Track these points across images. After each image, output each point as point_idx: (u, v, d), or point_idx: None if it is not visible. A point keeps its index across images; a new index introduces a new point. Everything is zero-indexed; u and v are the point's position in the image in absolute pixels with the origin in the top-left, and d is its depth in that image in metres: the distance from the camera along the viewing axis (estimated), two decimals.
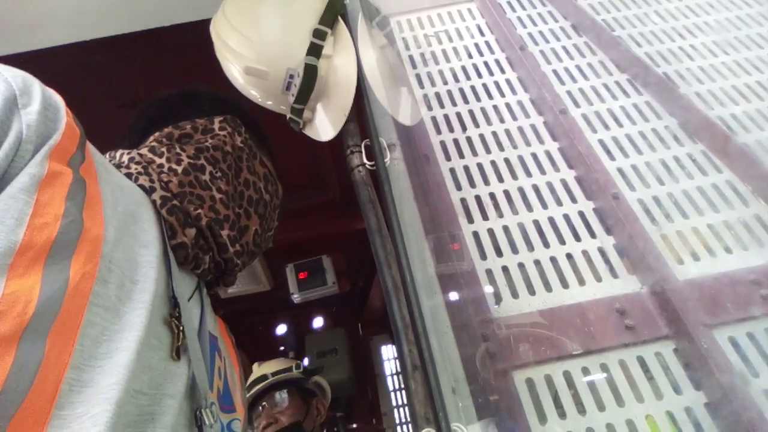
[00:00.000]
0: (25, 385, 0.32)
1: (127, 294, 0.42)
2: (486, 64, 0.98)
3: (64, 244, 0.37)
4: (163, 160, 0.59)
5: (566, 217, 0.74)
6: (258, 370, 1.75)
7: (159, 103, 0.71)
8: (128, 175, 0.54)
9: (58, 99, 0.42)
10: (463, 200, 0.77)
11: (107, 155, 0.58)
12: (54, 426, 0.33)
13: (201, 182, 0.59)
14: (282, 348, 2.50)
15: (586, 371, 0.59)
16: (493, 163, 0.82)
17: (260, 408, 1.63)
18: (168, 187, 0.55)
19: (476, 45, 1.02)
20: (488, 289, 0.67)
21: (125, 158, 0.57)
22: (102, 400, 0.36)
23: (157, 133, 0.65)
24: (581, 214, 0.74)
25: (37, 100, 0.38)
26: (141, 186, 0.53)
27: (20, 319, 0.32)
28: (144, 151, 0.60)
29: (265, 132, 0.79)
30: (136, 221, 0.48)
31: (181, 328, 0.47)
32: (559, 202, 0.75)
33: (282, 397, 1.63)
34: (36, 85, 0.40)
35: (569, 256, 0.69)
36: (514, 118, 0.88)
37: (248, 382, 1.71)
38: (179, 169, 0.58)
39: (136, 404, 0.40)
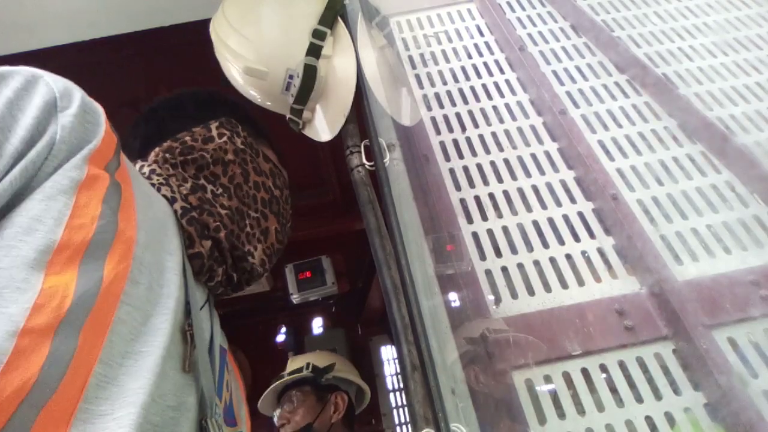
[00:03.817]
0: (59, 375, 0.33)
1: (155, 297, 0.44)
2: (485, 64, 0.98)
3: (99, 244, 0.39)
4: (175, 174, 0.61)
5: (565, 218, 0.74)
6: (292, 363, 1.76)
7: (149, 117, 0.70)
8: (152, 186, 0.56)
9: (97, 106, 0.44)
10: (462, 201, 0.77)
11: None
12: (79, 419, 0.34)
13: (206, 200, 0.60)
14: (281, 348, 2.49)
15: (585, 372, 0.59)
16: (492, 163, 0.82)
17: (280, 408, 1.65)
18: (187, 199, 0.57)
19: (476, 45, 1.02)
20: (487, 290, 0.67)
21: (146, 170, 0.59)
22: (127, 403, 0.37)
23: (157, 149, 0.64)
24: (580, 215, 0.74)
25: (75, 103, 0.40)
26: (164, 196, 0.55)
27: (57, 313, 0.34)
28: (155, 167, 0.62)
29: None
30: (162, 227, 0.51)
31: (193, 338, 0.48)
32: (558, 203, 0.75)
33: (292, 397, 1.64)
34: (76, 91, 0.42)
35: (568, 257, 0.69)
36: (514, 118, 0.88)
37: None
38: (188, 186, 0.60)
39: (161, 413, 0.41)
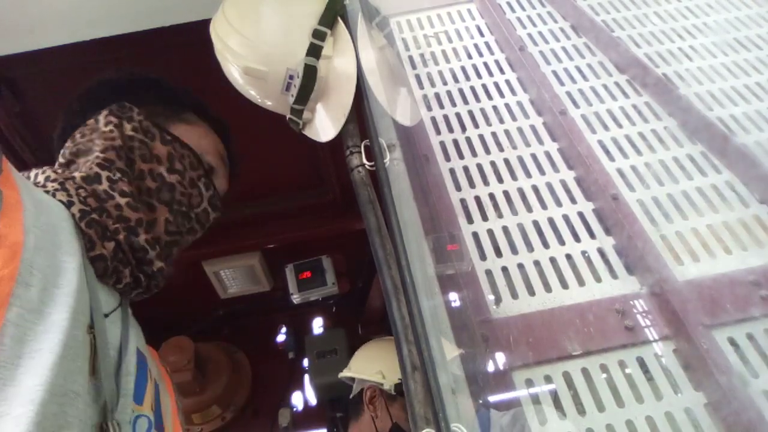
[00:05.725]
0: None
1: (51, 297, 0.44)
2: (486, 64, 0.98)
3: None
4: (76, 174, 0.60)
5: (566, 218, 0.74)
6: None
7: (66, 108, 0.70)
8: (46, 193, 0.55)
9: None
10: (462, 201, 0.77)
11: (22, 175, 0.60)
12: None
13: (100, 194, 0.59)
14: (281, 348, 2.49)
15: (585, 372, 0.59)
16: (492, 163, 0.82)
17: None
18: (86, 201, 0.57)
19: (476, 46, 1.02)
20: (488, 290, 0.67)
21: (41, 178, 0.58)
22: (26, 401, 0.37)
23: (65, 144, 0.65)
24: (581, 215, 0.74)
25: None
26: (60, 201, 0.55)
27: None
28: (56, 168, 0.61)
29: (265, 130, 0.79)
30: (58, 232, 0.50)
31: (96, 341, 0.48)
32: (558, 203, 0.75)
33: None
34: None
35: (569, 257, 0.69)
36: (514, 118, 0.88)
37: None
38: (84, 184, 0.59)
39: (58, 409, 0.41)
